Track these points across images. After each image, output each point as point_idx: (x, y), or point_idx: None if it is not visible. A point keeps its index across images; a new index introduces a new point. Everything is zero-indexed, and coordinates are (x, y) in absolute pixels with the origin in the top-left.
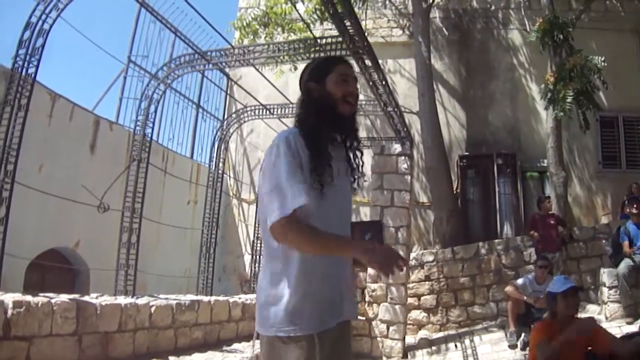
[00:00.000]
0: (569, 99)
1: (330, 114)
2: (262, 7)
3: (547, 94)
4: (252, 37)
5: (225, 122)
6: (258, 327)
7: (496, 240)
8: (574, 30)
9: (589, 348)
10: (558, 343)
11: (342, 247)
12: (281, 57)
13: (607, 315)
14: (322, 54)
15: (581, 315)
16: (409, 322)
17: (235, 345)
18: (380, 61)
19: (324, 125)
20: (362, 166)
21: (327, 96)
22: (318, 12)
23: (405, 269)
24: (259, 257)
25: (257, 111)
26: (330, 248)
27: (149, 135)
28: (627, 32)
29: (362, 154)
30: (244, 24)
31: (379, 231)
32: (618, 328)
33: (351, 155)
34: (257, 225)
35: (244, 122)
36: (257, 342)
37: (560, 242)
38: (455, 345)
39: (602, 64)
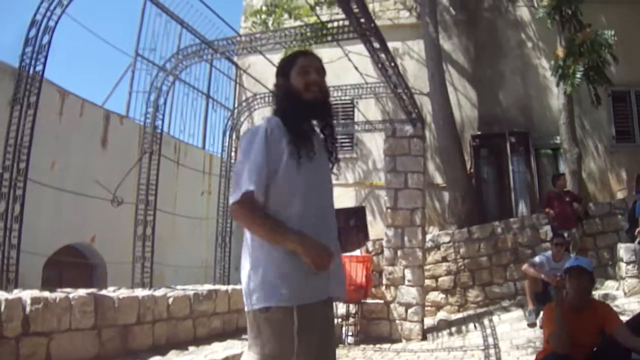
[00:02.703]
0: (579, 75)
1: (295, 103)
2: None
3: (557, 70)
4: (262, 25)
5: (236, 111)
6: (245, 305)
7: (512, 219)
8: (583, 5)
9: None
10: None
11: (283, 237)
12: (289, 43)
13: (625, 290)
14: (329, 38)
15: (600, 292)
16: (427, 303)
17: None
18: (389, 44)
19: (293, 113)
20: (336, 151)
21: (292, 87)
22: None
23: (331, 264)
24: None
25: (267, 99)
26: (272, 236)
27: (160, 127)
28: (639, 5)
29: (336, 140)
30: (253, 12)
31: (362, 217)
32: (637, 303)
33: (327, 140)
34: None
35: (255, 110)
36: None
37: (576, 218)
38: (475, 326)
39: (613, 38)
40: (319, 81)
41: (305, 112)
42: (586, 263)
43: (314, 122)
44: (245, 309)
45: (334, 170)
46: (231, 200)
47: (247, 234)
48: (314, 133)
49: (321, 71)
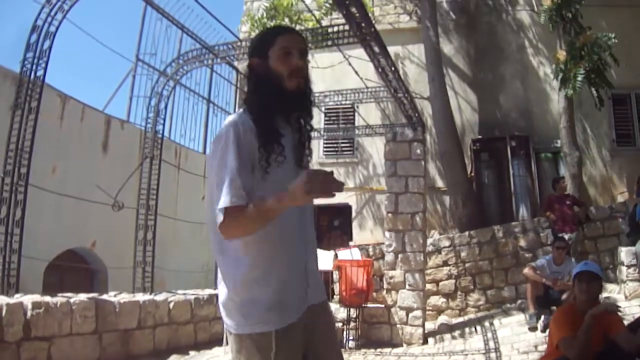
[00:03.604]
0: (580, 77)
1: (274, 92)
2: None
3: (559, 73)
4: (260, 30)
5: None
6: (225, 323)
7: (512, 223)
8: (583, 8)
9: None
10: (579, 334)
11: (281, 204)
12: None
13: (626, 294)
14: (330, 42)
15: (601, 296)
16: (428, 308)
17: None
18: (389, 48)
19: (270, 104)
20: (309, 144)
21: (271, 73)
22: (326, 5)
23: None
24: None
25: None
26: (273, 213)
27: (161, 132)
28: (639, 8)
29: (311, 130)
30: (252, 17)
31: (347, 216)
32: (638, 307)
33: (303, 133)
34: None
35: None
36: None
37: (577, 222)
38: (475, 329)
39: (613, 40)
40: (303, 66)
41: (285, 104)
42: (596, 268)
43: (290, 115)
44: (225, 327)
45: (305, 164)
46: (220, 219)
47: (223, 249)
48: (286, 130)
49: (304, 54)
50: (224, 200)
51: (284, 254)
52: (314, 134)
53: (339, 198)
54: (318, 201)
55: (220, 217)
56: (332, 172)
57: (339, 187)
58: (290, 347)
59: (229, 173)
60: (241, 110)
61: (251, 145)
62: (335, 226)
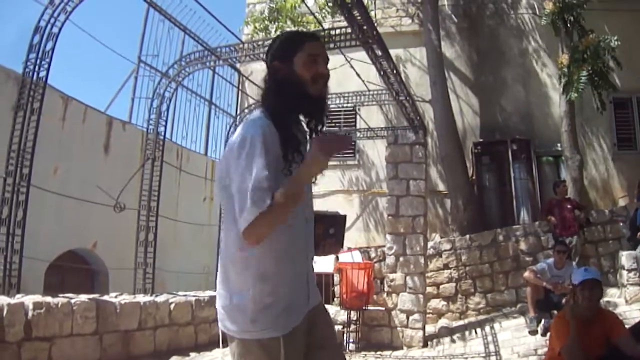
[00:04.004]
0: (583, 79)
1: (298, 96)
2: (270, 0)
3: (562, 77)
4: (263, 32)
5: (238, 118)
6: (225, 327)
7: (513, 226)
8: (585, 12)
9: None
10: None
11: (304, 177)
12: None
13: (627, 298)
14: (332, 45)
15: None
16: (428, 311)
17: None
18: (391, 51)
19: (291, 109)
20: None
21: (295, 77)
22: (328, 7)
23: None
24: None
25: None
26: (299, 191)
27: (162, 133)
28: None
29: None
30: (255, 19)
31: (342, 226)
32: (639, 311)
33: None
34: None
35: None
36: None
37: (578, 226)
38: (476, 333)
39: (616, 43)
40: (327, 75)
41: (306, 109)
42: (597, 274)
43: (307, 121)
44: (225, 331)
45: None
46: (243, 225)
47: (233, 254)
48: (301, 135)
49: (328, 62)
50: (255, 208)
51: (293, 262)
52: None
53: (336, 208)
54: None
55: (245, 223)
56: (335, 131)
57: (348, 140)
58: (295, 350)
59: (260, 179)
60: (259, 112)
61: (276, 150)
62: (330, 234)
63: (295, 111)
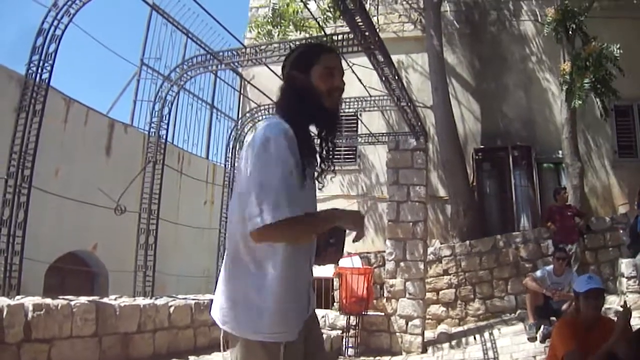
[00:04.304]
0: (586, 87)
1: (313, 107)
2: (273, 5)
3: (563, 85)
4: (265, 37)
5: (240, 122)
6: (230, 328)
7: (514, 233)
8: (586, 20)
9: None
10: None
11: (327, 222)
12: None
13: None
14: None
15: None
16: (428, 316)
17: None
18: (393, 56)
19: (313, 118)
20: (332, 160)
21: (312, 89)
22: (330, 12)
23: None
24: None
25: (271, 110)
26: (325, 227)
27: (164, 136)
28: None
29: (334, 148)
30: (258, 24)
31: (342, 236)
32: (639, 319)
33: (325, 149)
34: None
35: (258, 121)
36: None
37: (578, 233)
38: (475, 339)
39: (618, 51)
40: (343, 88)
41: (320, 121)
42: (600, 282)
43: (318, 130)
44: (229, 331)
45: (320, 178)
46: (273, 218)
47: (241, 258)
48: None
49: (343, 74)
50: (283, 211)
51: (299, 267)
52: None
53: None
54: None
55: (270, 219)
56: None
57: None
58: (296, 354)
59: (286, 185)
60: (277, 117)
61: (296, 155)
62: (331, 243)
63: (310, 121)
